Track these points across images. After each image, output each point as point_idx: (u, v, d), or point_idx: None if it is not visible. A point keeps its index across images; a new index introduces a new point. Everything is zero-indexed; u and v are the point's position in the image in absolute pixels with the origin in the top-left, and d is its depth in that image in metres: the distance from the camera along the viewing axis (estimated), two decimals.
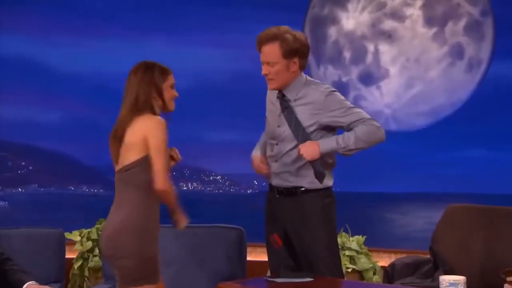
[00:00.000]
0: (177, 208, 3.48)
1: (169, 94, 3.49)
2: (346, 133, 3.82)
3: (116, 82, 6.51)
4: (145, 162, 3.39)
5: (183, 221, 3.52)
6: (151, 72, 3.46)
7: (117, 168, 3.49)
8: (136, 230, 3.38)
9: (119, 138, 3.44)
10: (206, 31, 6.56)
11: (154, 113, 3.44)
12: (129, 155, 3.42)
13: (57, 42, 6.63)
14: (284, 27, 3.85)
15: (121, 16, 6.64)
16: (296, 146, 3.86)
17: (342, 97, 3.91)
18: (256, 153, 4.07)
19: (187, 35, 6.58)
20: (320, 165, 3.86)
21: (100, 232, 5.61)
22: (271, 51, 3.81)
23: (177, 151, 3.64)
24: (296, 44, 3.81)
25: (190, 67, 6.40)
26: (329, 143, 3.81)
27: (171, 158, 3.61)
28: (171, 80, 3.51)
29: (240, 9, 6.48)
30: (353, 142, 3.79)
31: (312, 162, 3.83)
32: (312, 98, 3.86)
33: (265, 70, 3.86)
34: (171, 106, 3.51)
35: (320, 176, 3.88)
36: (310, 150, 3.78)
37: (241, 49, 6.32)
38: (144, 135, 3.38)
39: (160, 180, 3.35)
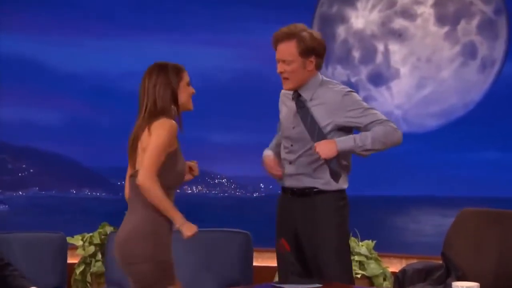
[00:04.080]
0: (170, 212, 3.38)
1: (187, 92, 3.51)
2: (363, 133, 3.81)
3: (117, 83, 6.63)
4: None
5: (187, 229, 3.40)
6: (165, 74, 3.46)
7: (131, 172, 3.50)
8: (147, 235, 3.38)
9: (135, 143, 3.44)
10: (208, 31, 6.58)
11: (170, 117, 3.44)
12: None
13: (57, 42, 6.67)
14: (301, 25, 3.86)
15: (122, 15, 6.67)
16: (312, 147, 3.84)
17: (359, 98, 3.92)
18: (268, 153, 4.04)
19: (188, 35, 6.59)
20: (336, 164, 3.84)
21: (102, 237, 5.63)
22: (288, 49, 3.82)
23: (197, 165, 3.65)
24: (313, 43, 3.82)
25: (193, 67, 6.40)
26: (347, 141, 3.80)
27: (190, 169, 3.63)
28: (186, 78, 3.51)
29: (243, 8, 6.49)
30: (370, 142, 3.78)
31: (327, 161, 3.81)
32: (329, 98, 3.86)
33: (280, 68, 3.85)
34: (190, 105, 3.53)
35: (335, 175, 3.86)
36: (326, 148, 3.76)
37: (247, 49, 6.37)
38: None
39: (142, 174, 3.32)
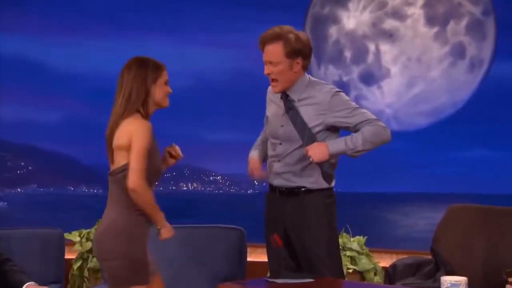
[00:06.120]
0: (156, 215, 3.38)
1: (163, 90, 3.44)
2: (353, 135, 3.80)
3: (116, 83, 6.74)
4: None
5: (166, 232, 3.42)
6: (145, 69, 3.41)
7: (110, 169, 3.47)
8: (119, 234, 3.35)
9: (110, 141, 3.41)
10: (207, 31, 6.57)
11: (145, 113, 3.41)
12: (118, 158, 3.38)
13: (57, 42, 6.65)
14: (287, 27, 3.84)
15: (122, 15, 6.65)
16: (301, 147, 3.85)
17: (347, 98, 3.91)
18: (253, 155, 4.06)
19: (188, 35, 6.59)
20: (329, 166, 3.85)
21: None
22: (274, 51, 3.80)
23: (176, 148, 3.59)
24: (299, 45, 3.81)
25: (191, 67, 6.46)
26: (338, 144, 3.79)
27: (170, 155, 3.59)
28: (165, 76, 3.45)
29: (240, 9, 6.47)
30: (361, 144, 3.77)
31: (320, 164, 3.82)
32: (317, 99, 3.85)
33: (267, 69, 3.84)
34: (165, 102, 3.46)
35: (328, 178, 3.88)
36: (318, 151, 3.75)
37: (241, 49, 6.36)
38: (130, 139, 3.32)
39: (132, 177, 3.27)
